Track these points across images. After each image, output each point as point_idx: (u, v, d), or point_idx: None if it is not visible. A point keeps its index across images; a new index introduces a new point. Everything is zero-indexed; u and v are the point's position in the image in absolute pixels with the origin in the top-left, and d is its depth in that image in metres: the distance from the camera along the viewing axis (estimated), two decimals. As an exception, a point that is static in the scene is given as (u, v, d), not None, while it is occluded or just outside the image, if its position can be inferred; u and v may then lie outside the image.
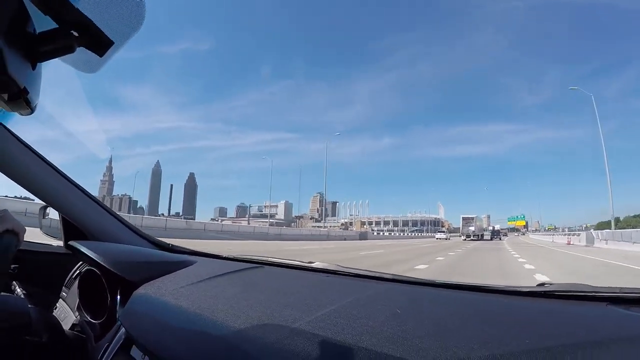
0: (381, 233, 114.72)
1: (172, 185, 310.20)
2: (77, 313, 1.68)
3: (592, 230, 36.80)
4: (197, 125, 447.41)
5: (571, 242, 37.81)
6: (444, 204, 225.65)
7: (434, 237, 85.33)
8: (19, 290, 1.67)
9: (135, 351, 1.16)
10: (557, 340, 0.76)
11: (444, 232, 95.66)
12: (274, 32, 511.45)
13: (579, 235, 39.31)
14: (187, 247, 2.14)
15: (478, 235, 76.66)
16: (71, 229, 1.84)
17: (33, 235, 1.74)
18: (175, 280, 1.45)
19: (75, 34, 0.56)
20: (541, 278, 8.95)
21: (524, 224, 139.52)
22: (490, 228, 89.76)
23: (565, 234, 59.26)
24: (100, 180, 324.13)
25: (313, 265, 1.70)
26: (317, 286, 1.38)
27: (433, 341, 0.81)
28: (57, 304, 1.90)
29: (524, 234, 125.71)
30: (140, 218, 35.26)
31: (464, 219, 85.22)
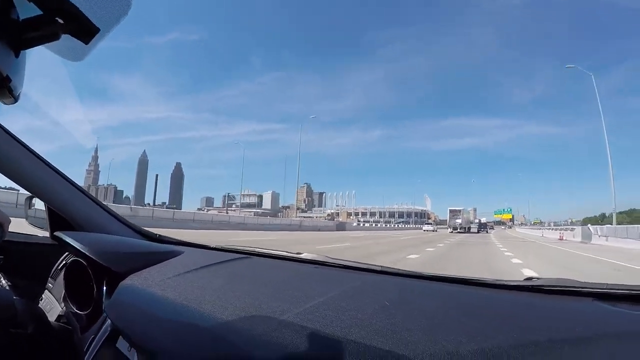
0: (366, 224, 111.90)
1: (157, 175, 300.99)
2: (63, 304, 1.64)
3: (589, 225, 33.29)
4: (185, 115, 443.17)
5: (564, 238, 34.71)
6: (431, 196, 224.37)
7: (420, 229, 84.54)
8: (4, 281, 1.64)
9: (121, 343, 1.15)
10: (544, 334, 0.76)
11: (431, 224, 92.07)
12: (264, 22, 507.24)
13: (572, 230, 36.33)
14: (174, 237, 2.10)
15: (465, 227, 75.15)
16: (57, 219, 1.79)
17: (20, 226, 1.91)
18: (162, 270, 1.43)
19: (61, 20, 0.54)
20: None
21: (511, 217, 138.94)
22: (477, 221, 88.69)
23: (553, 229, 56.71)
24: (86, 169, 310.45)
25: (301, 256, 1.68)
26: (305, 277, 1.38)
27: (422, 334, 0.80)
28: (43, 295, 1.87)
29: (510, 227, 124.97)
30: (120, 207, 33.46)
31: (451, 211, 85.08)
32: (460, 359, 0.70)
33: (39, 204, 1.95)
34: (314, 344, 0.82)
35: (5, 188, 22.06)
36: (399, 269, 1.43)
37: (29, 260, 1.94)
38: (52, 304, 1.75)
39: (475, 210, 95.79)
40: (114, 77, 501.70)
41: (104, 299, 1.39)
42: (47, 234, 1.88)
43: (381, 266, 1.44)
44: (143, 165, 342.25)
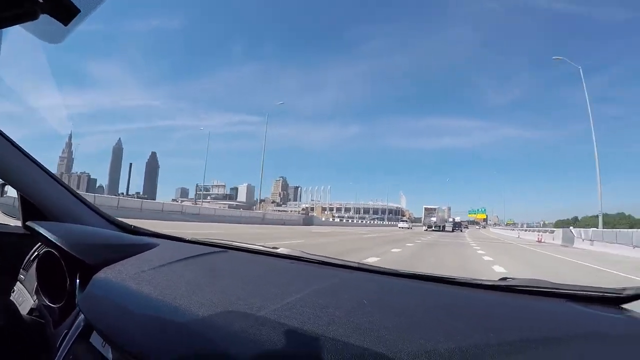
0: (341, 220, 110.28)
1: (131, 164, 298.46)
2: (35, 297, 1.62)
3: (570, 227, 30.85)
4: (162, 104, 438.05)
5: (542, 240, 32.39)
6: (406, 194, 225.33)
7: (394, 225, 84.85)
8: None
9: (95, 338, 1.14)
10: (519, 334, 0.78)
11: (406, 221, 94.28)
12: (246, 12, 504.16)
13: (552, 232, 33.67)
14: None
15: (440, 226, 75.11)
16: (30, 208, 1.73)
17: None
18: (137, 263, 1.40)
19: None
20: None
21: (485, 217, 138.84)
22: (451, 220, 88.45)
23: (526, 230, 54.59)
24: (59, 156, 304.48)
25: (277, 251, 1.66)
26: (282, 273, 1.36)
27: (400, 332, 0.80)
28: (15, 288, 1.83)
29: (484, 227, 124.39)
30: (93, 196, 31.85)
31: (426, 209, 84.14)
32: (439, 357, 0.70)
33: (11, 192, 1.84)
34: (292, 341, 0.81)
35: None
36: (376, 266, 1.40)
37: (0, 250, 1.83)
38: (24, 297, 1.70)
39: (449, 209, 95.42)
40: (91, 62, 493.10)
41: (77, 292, 1.33)
42: (19, 223, 1.81)
43: (358, 262, 1.44)
44: (118, 153, 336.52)
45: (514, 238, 39.64)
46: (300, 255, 1.55)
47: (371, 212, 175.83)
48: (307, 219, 58.28)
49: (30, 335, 1.40)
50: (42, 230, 1.44)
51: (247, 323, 0.88)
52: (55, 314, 1.43)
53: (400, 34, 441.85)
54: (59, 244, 1.37)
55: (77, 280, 1.37)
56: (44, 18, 0.52)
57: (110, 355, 1.03)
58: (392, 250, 14.72)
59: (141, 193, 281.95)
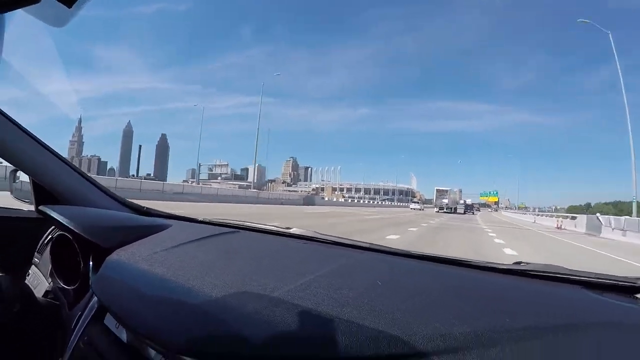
0: (351, 200, 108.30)
1: (140, 146, 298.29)
2: (50, 279, 1.60)
3: (597, 214, 26.91)
4: (172, 86, 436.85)
5: (562, 227, 28.97)
6: (417, 176, 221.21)
7: (405, 207, 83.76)
8: None
9: (109, 319, 1.13)
10: (533, 319, 0.76)
11: (418, 202, 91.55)
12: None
13: (573, 218, 29.90)
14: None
15: (451, 208, 72.64)
16: (43, 192, 1.73)
17: (6, 201, 1.97)
18: (150, 245, 1.39)
19: None
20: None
21: (497, 200, 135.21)
22: (462, 202, 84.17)
23: (539, 214, 51.11)
24: (69, 140, 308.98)
25: (290, 231, 1.63)
26: (295, 253, 1.33)
27: (414, 315, 0.79)
28: (30, 271, 1.80)
29: (496, 210, 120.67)
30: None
31: (438, 190, 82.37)
32: (452, 341, 0.69)
33: (24, 177, 1.86)
34: (306, 322, 0.80)
35: None
36: (389, 247, 1.38)
37: (15, 235, 1.83)
38: (39, 280, 1.68)
39: (460, 191, 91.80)
40: (100, 47, 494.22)
41: (90, 274, 1.34)
42: (32, 207, 1.80)
43: (370, 243, 1.41)
44: (128, 136, 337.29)
45: (530, 223, 36.28)
46: (313, 236, 1.51)
47: (382, 192, 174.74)
48: (308, 199, 55.72)
49: (46, 318, 1.38)
50: (54, 214, 1.45)
51: (260, 304, 0.86)
52: (70, 296, 1.42)
53: (410, 15, 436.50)
54: (71, 227, 1.36)
55: (91, 263, 1.36)
56: (47, 1, 0.50)
57: (124, 337, 1.03)
58: (387, 237, 11.91)
59: (152, 174, 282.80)
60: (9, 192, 2.01)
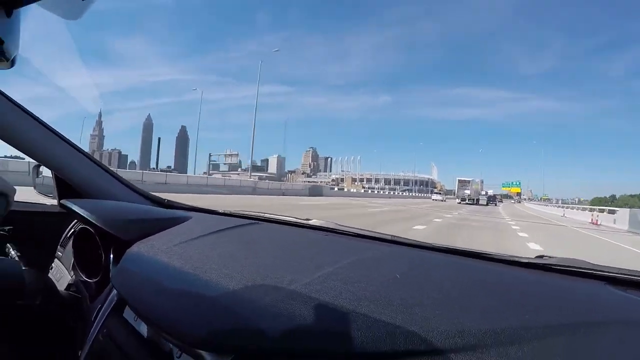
0: (370, 190, 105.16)
1: (159, 139, 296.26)
2: (72, 272, 1.62)
3: None
4: (191, 77, 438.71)
5: (598, 222, 24.62)
6: (437, 165, 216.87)
7: (425, 197, 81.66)
8: (13, 252, 1.58)
9: (127, 312, 1.15)
10: (555, 315, 0.74)
11: (440, 193, 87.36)
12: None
13: (612, 213, 25.24)
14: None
15: (473, 199, 70.15)
16: (65, 186, 1.76)
17: (30, 195, 1.92)
18: (169, 237, 1.39)
19: None
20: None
21: (519, 191, 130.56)
22: (484, 193, 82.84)
23: (566, 207, 46.74)
24: (90, 134, 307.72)
25: (310, 222, 1.62)
26: (315, 245, 1.31)
27: (433, 309, 0.78)
28: (53, 264, 1.81)
29: (519, 202, 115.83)
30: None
31: (459, 181, 79.70)
32: (471, 338, 0.68)
33: (46, 172, 1.87)
34: (322, 316, 0.79)
35: (12, 157, 20.93)
36: (410, 239, 1.35)
37: (38, 229, 1.88)
38: (62, 273, 1.70)
39: (482, 182, 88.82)
40: (118, 39, 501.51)
41: (111, 267, 1.37)
42: (55, 202, 1.83)
43: (392, 235, 1.38)
44: (148, 129, 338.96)
45: (559, 217, 32.39)
46: (333, 227, 1.50)
47: (402, 183, 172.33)
48: (314, 189, 51.23)
49: (68, 310, 1.41)
50: (75, 208, 1.46)
51: (278, 296, 0.86)
52: (92, 289, 1.44)
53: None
54: (91, 220, 1.38)
55: (111, 255, 1.38)
56: None
57: (142, 329, 1.04)
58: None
59: (173, 167, 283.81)
60: (33, 187, 1.99)
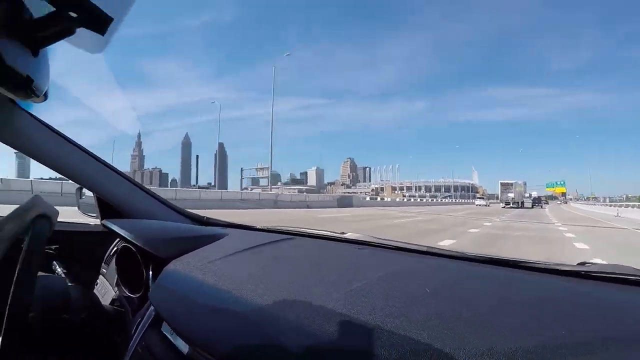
0: (412, 199, 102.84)
1: (197, 157, 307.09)
2: (116, 288, 1.68)
3: None
4: (228, 95, 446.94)
5: None
6: (477, 169, 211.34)
7: (468, 203, 79.53)
8: (59, 269, 1.59)
9: (165, 326, 1.16)
10: (599, 331, 0.69)
11: (483, 198, 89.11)
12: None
13: None
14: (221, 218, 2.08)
15: (518, 202, 67.82)
16: (106, 207, 1.83)
17: (75, 215, 2.09)
18: (204, 254, 1.41)
19: (73, 14, 0.53)
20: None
21: (564, 191, 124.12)
22: (528, 195, 77.67)
23: (617, 205, 42.43)
24: (131, 155, 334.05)
25: (345, 235, 1.61)
26: (348, 259, 1.32)
27: (470, 327, 0.73)
28: (98, 281, 1.89)
29: (566, 202, 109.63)
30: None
31: (502, 184, 79.67)
32: (503, 357, 0.64)
33: (88, 193, 1.94)
34: (346, 333, 0.77)
35: (55, 179, 22.30)
36: (446, 250, 1.31)
37: (83, 247, 1.94)
38: (106, 289, 1.76)
39: (525, 183, 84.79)
40: (152, 64, 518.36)
41: (150, 284, 1.41)
42: (98, 221, 1.89)
43: (427, 247, 1.36)
44: (187, 147, 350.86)
45: (612, 217, 28.60)
46: (369, 240, 1.49)
47: (442, 190, 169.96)
48: (343, 200, 47.56)
49: (113, 324, 1.43)
50: (115, 228, 1.54)
51: (304, 313, 0.85)
52: (134, 304, 1.47)
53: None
54: (131, 240, 1.44)
55: (150, 273, 1.42)
56: (82, 31, 0.54)
57: (179, 343, 1.04)
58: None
59: (213, 183, 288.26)
60: (77, 208, 2.12)
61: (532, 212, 40.39)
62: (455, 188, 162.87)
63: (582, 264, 1.06)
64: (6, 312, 0.88)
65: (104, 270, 1.87)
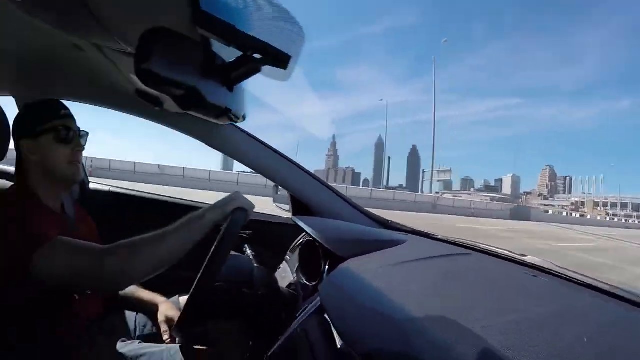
0: (617, 219, 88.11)
1: (389, 158, 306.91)
2: (294, 275, 1.78)
3: None
4: (419, 98, 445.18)
5: None
6: None
7: None
8: (249, 252, 1.83)
9: (327, 318, 1.18)
10: None
11: None
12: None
13: None
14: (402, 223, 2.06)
15: None
16: (298, 203, 1.99)
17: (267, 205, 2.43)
18: (380, 259, 1.42)
19: (258, 56, 0.62)
20: None
21: None
22: None
23: None
24: (326, 155, 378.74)
25: (525, 259, 1.45)
26: (521, 285, 1.20)
27: None
28: (281, 266, 2.03)
29: None
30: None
31: None
32: None
33: (283, 190, 2.13)
34: None
35: (244, 172, 30.27)
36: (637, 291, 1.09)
37: (273, 236, 2.18)
38: (286, 273, 1.90)
39: None
40: (345, 72, 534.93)
41: (324, 276, 1.49)
42: (290, 215, 2.06)
43: (611, 285, 1.15)
44: (379, 149, 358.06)
45: None
46: (548, 268, 1.32)
47: None
48: (518, 212, 41.27)
49: (285, 304, 1.53)
50: (302, 224, 1.66)
51: (450, 333, 0.80)
52: (308, 291, 1.58)
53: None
54: (314, 236, 1.55)
55: (327, 267, 1.50)
56: (268, 68, 0.65)
57: (335, 336, 1.05)
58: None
59: (405, 185, 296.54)
60: (272, 201, 2.36)
61: None
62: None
63: None
64: (197, 279, 1.14)
65: (287, 257, 2.03)
